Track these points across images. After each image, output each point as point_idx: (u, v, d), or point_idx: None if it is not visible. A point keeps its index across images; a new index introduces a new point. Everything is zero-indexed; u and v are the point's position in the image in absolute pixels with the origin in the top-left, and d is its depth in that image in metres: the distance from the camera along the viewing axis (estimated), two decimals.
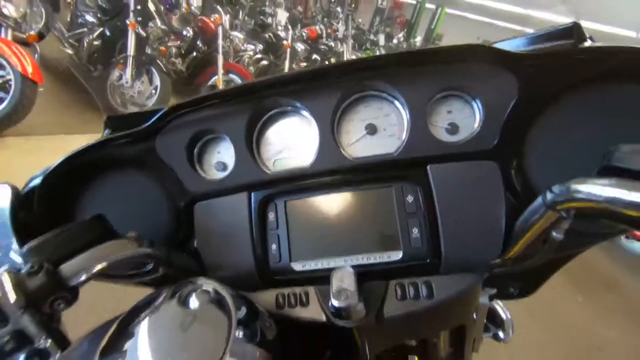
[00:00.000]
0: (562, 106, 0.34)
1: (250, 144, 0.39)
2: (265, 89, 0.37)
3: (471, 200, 0.35)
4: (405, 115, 0.37)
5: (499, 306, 0.55)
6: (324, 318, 0.37)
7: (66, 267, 0.29)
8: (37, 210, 0.38)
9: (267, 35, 4.84)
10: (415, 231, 0.37)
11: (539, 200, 0.29)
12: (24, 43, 2.62)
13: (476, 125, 0.36)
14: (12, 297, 0.25)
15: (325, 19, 7.15)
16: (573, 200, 0.26)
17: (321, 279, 0.36)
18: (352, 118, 0.39)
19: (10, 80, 2.43)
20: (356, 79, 0.37)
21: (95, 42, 3.35)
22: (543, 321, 2.11)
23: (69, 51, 3.49)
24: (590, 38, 0.34)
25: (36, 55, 2.68)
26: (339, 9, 7.35)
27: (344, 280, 0.33)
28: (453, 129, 0.36)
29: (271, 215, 0.39)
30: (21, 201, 0.38)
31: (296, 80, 0.37)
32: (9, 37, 2.54)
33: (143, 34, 3.23)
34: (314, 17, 7.44)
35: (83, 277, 0.29)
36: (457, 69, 0.35)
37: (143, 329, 0.29)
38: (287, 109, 0.40)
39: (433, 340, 0.43)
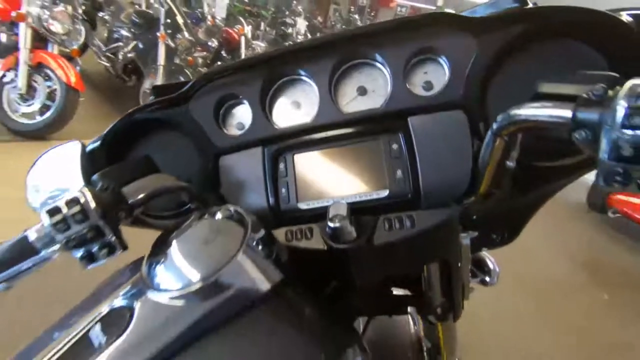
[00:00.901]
0: (512, 59, 0.41)
1: (263, 105, 0.48)
2: (276, 59, 0.47)
3: (444, 145, 0.43)
4: (388, 77, 0.45)
5: (487, 257, 0.61)
6: (325, 247, 0.44)
7: (126, 189, 0.39)
8: (98, 164, 0.49)
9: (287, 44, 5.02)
10: (399, 173, 0.44)
11: (489, 132, 0.36)
12: (68, 57, 2.88)
13: (446, 80, 0.43)
14: (92, 204, 0.35)
15: (344, 28, 7.30)
16: (513, 123, 0.34)
17: (322, 216, 0.43)
18: (347, 83, 0.47)
19: (56, 90, 2.69)
20: (349, 47, 0.45)
21: (129, 55, 3.61)
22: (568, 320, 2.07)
23: (106, 64, 3.78)
24: (535, 4, 0.41)
25: (77, 68, 2.93)
26: (357, 17, 7.49)
27: (338, 209, 0.41)
28: (428, 86, 0.44)
29: (281, 166, 0.48)
30: (86, 155, 0.48)
31: (300, 51, 0.46)
32: (55, 52, 2.81)
33: (172, 45, 3.46)
34: (333, 26, 7.63)
35: (140, 197, 0.39)
36: (428, 33, 0.43)
37: (176, 236, 0.38)
38: (294, 77, 0.49)
39: (421, 274, 0.50)
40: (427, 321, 0.67)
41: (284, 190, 0.47)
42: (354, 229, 0.41)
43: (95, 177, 0.40)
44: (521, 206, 0.52)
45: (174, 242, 0.38)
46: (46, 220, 0.34)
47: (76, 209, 0.34)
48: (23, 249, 0.35)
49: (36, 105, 2.66)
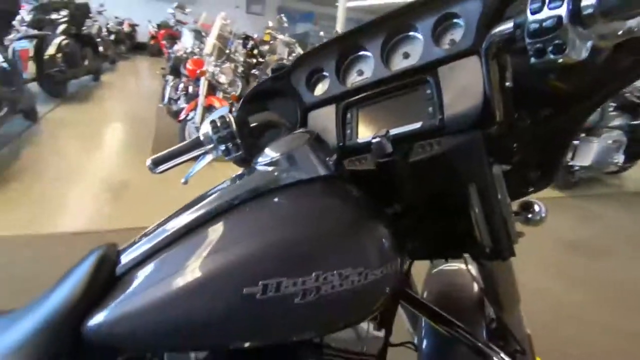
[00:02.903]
0: (509, 8, 0.52)
1: (338, 75, 0.69)
2: (344, 39, 0.68)
3: (463, 84, 0.55)
4: (423, 41, 0.61)
5: (534, 201, 0.65)
6: (373, 166, 0.60)
7: (252, 118, 0.65)
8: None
9: None
10: (430, 109, 0.57)
11: (483, 57, 0.49)
12: (229, 101, 3.78)
13: (462, 35, 0.57)
14: (232, 119, 0.62)
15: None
16: (493, 42, 0.45)
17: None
18: (395, 51, 0.65)
19: None
20: (394, 24, 0.63)
21: None
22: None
23: None
24: None
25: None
26: None
27: (380, 134, 0.58)
28: (452, 43, 0.58)
29: (348, 116, 0.67)
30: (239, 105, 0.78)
31: (360, 31, 0.66)
32: (221, 96, 3.72)
33: None
34: None
35: (258, 122, 0.65)
36: (450, 3, 0.55)
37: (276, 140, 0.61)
38: (359, 54, 0.69)
39: (469, 215, 0.55)
40: (481, 265, 0.73)
41: (349, 131, 0.67)
42: (389, 144, 0.57)
43: (236, 110, 0.68)
44: (547, 142, 0.57)
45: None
46: (209, 127, 0.62)
47: (223, 121, 0.61)
48: (196, 144, 0.64)
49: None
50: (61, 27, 5.40)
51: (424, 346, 0.79)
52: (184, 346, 0.46)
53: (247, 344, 0.46)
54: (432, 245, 0.67)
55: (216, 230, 0.47)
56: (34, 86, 4.51)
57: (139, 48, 11.99)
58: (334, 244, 0.47)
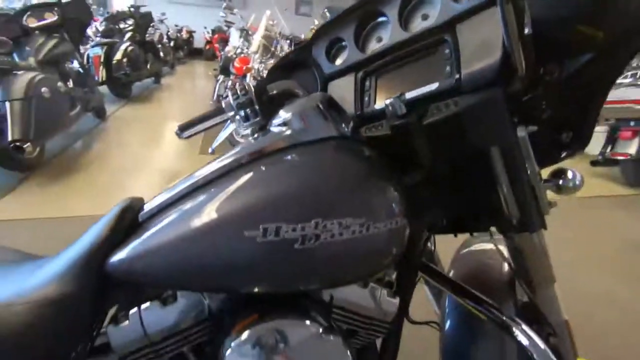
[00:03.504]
0: None
1: (357, 43, 0.68)
2: (364, 6, 0.67)
3: (482, 38, 0.52)
4: (439, 3, 0.59)
5: (568, 168, 0.58)
6: (389, 131, 0.60)
7: (271, 87, 0.68)
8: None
9: None
10: (447, 68, 0.56)
11: (499, 3, 0.46)
12: None
13: None
14: (252, 90, 0.64)
15: None
16: None
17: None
18: (415, 14, 0.63)
19: None
20: None
21: None
22: None
23: None
24: None
25: None
26: None
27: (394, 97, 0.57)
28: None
29: (367, 84, 0.67)
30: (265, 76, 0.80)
31: None
32: None
33: None
34: None
35: (277, 90, 0.67)
36: None
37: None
38: (377, 21, 0.68)
39: (496, 188, 0.52)
40: (509, 239, 0.69)
41: (366, 99, 0.66)
42: (403, 105, 0.55)
43: (256, 84, 0.71)
44: (579, 98, 0.52)
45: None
46: (230, 94, 0.65)
47: (242, 87, 0.64)
48: (218, 111, 0.67)
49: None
50: (127, 35, 5.94)
51: (446, 325, 0.75)
52: (194, 285, 0.49)
53: (251, 288, 0.48)
54: (454, 218, 0.65)
55: (224, 184, 0.50)
56: (103, 89, 5.01)
57: (195, 53, 12.78)
58: (335, 193, 0.47)
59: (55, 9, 3.54)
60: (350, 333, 0.60)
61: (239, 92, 0.64)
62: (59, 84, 3.06)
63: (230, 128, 0.70)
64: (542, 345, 0.54)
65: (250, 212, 0.45)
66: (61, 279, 0.47)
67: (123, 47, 5.31)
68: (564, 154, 0.58)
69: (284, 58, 0.79)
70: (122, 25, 6.11)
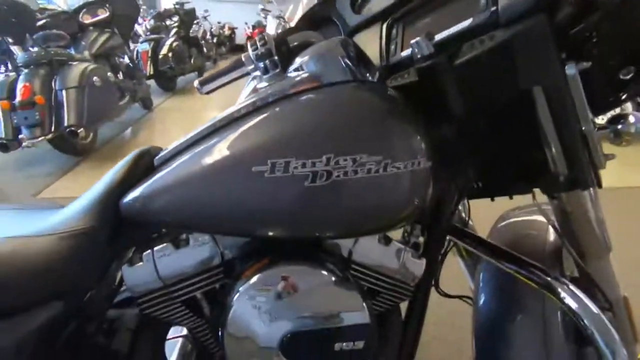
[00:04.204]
0: None
1: None
2: None
3: None
4: None
5: (629, 112, 0.49)
6: (417, 77, 0.54)
7: (291, 38, 0.65)
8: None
9: None
10: (482, 1, 0.50)
11: None
12: None
13: None
14: (271, 40, 0.62)
15: None
16: None
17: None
18: None
19: None
20: None
21: None
22: None
23: None
24: None
25: None
26: None
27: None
28: None
29: (393, 32, 0.62)
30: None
31: None
32: None
33: None
34: None
35: (297, 41, 0.64)
36: None
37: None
38: None
39: (540, 140, 0.46)
40: (557, 201, 0.60)
41: (392, 47, 0.61)
42: (431, 44, 0.50)
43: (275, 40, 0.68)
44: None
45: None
46: (249, 45, 0.63)
47: (261, 38, 0.62)
48: (238, 64, 0.65)
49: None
50: (173, 31, 6.21)
51: (480, 300, 0.69)
52: (203, 225, 0.48)
53: (262, 230, 0.46)
54: (491, 178, 0.58)
55: (237, 125, 0.48)
56: (151, 82, 5.29)
57: (237, 49, 13.12)
58: (348, 129, 0.44)
59: (107, 5, 3.77)
60: (371, 294, 0.56)
61: (258, 43, 0.62)
62: (109, 74, 3.27)
63: (251, 86, 0.68)
64: (595, 309, 0.46)
65: (260, 147, 0.43)
66: (80, 215, 0.49)
67: (168, 42, 5.55)
68: (624, 96, 0.49)
69: (309, 11, 0.76)
70: (168, 22, 6.39)
